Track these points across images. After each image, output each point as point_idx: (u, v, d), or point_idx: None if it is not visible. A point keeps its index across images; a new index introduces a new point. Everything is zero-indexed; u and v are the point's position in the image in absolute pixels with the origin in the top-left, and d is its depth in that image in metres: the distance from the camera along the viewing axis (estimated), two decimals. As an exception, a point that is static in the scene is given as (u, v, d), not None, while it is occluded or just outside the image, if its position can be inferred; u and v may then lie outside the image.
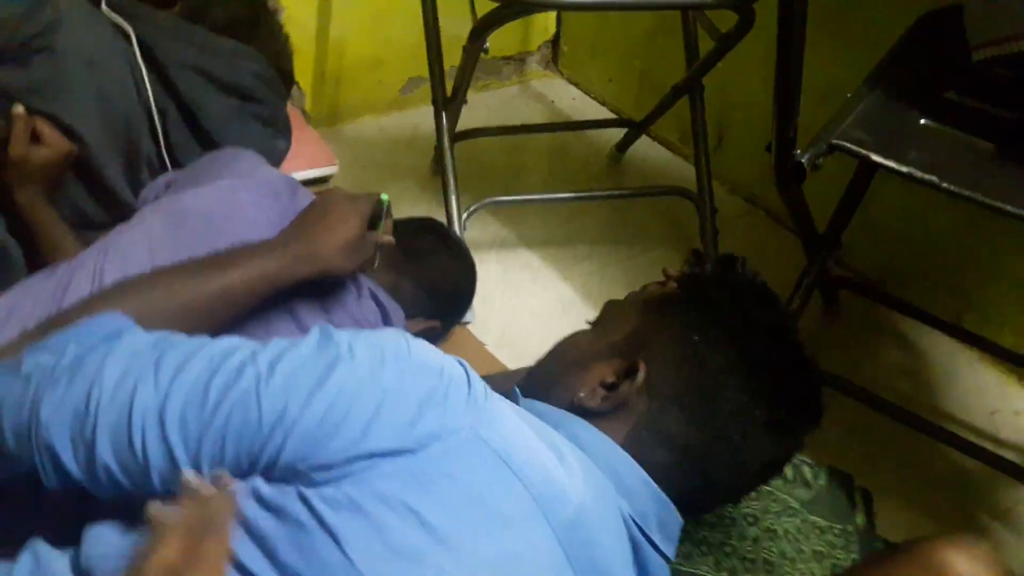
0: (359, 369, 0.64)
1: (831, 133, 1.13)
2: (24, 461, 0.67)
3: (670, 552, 0.75)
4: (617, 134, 2.03)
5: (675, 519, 0.76)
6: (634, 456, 0.74)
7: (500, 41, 2.12)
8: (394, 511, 0.60)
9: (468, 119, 1.75)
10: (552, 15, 2.33)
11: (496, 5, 1.35)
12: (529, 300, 1.68)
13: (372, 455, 0.60)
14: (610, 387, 0.76)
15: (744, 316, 0.78)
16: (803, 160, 1.12)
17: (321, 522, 0.59)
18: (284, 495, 0.61)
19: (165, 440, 0.63)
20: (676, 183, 1.84)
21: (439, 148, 1.67)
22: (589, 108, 2.29)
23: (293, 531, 0.60)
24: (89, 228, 1.18)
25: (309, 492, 0.60)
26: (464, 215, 1.62)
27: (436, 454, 0.61)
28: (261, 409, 0.62)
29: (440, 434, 0.62)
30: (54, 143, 1.10)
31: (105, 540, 0.65)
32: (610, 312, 0.86)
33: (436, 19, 1.61)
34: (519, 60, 2.34)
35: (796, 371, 0.78)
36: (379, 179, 1.91)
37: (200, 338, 0.70)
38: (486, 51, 1.53)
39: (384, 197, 0.99)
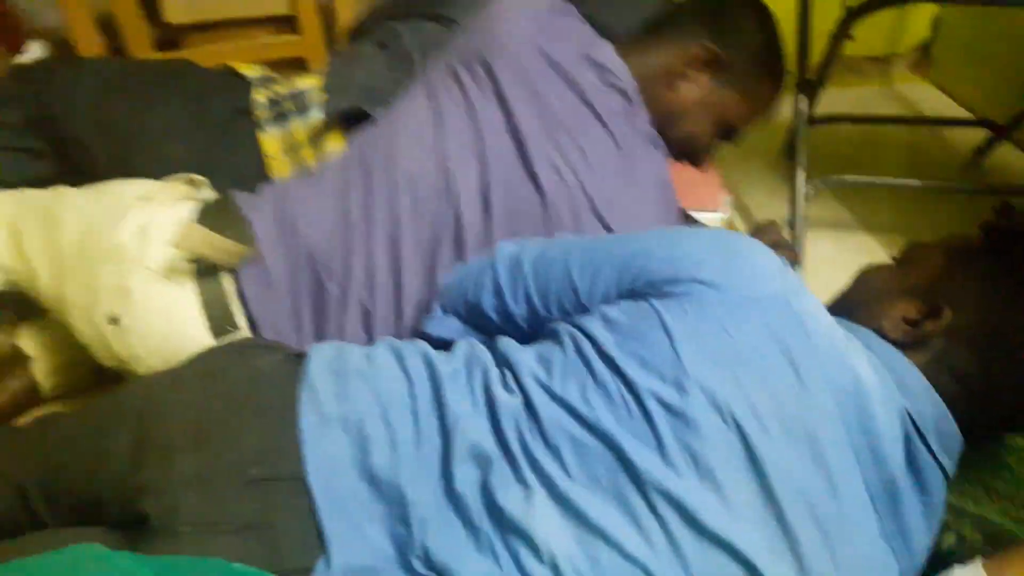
0: (717, 234, 0.85)
1: None
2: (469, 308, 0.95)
3: (945, 463, 0.78)
4: (978, 138, 1.99)
5: (954, 432, 0.78)
6: None
7: (867, 39, 2.15)
8: (713, 327, 0.75)
9: (823, 109, 1.81)
10: (926, 17, 2.31)
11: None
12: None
13: (708, 284, 0.78)
14: (912, 323, 0.81)
15: None
16: None
17: (663, 324, 0.76)
18: (638, 305, 0.79)
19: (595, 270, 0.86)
20: (1039, 191, 1.78)
21: (794, 129, 1.77)
22: (952, 112, 2.24)
23: (639, 327, 0.77)
24: None
25: (658, 303, 0.78)
26: (807, 189, 1.70)
27: (744, 300, 0.76)
28: (659, 254, 0.82)
29: (757, 288, 0.77)
30: None
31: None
32: (915, 252, 0.90)
33: (806, 5, 1.71)
34: (884, 61, 2.34)
35: None
36: (730, 156, 2.04)
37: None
38: (851, 37, 1.62)
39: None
